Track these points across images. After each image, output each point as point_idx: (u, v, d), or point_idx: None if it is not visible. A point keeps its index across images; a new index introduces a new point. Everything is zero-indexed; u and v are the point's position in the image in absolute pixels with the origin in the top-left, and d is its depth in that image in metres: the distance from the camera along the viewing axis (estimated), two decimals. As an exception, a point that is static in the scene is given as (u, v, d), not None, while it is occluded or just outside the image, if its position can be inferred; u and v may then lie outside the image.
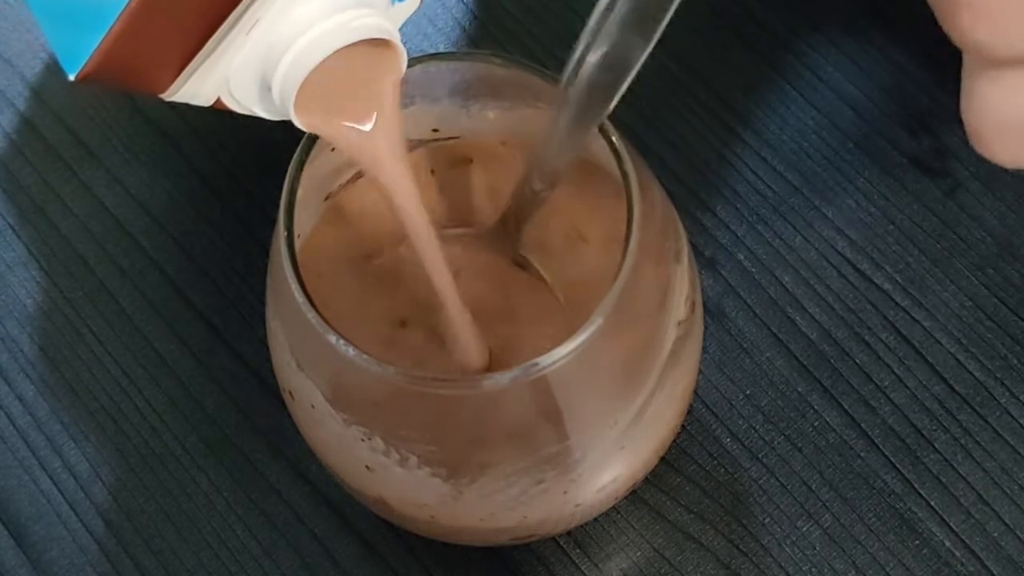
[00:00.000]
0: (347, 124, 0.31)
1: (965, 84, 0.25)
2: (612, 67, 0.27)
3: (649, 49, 0.27)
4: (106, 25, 0.28)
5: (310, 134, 0.32)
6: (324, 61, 0.30)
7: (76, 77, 0.28)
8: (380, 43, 0.30)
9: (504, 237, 0.34)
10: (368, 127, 0.31)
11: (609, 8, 0.26)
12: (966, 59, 0.25)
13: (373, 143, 0.31)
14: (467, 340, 0.33)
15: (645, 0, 0.25)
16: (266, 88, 0.30)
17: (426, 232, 0.32)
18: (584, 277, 0.35)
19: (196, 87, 0.30)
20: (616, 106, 0.29)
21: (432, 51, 0.47)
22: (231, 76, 0.30)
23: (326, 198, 0.36)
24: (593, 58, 0.27)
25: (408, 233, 0.32)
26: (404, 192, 0.31)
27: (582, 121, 0.29)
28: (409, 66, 0.32)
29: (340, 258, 0.35)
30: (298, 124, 0.31)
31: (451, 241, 0.34)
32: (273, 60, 0.30)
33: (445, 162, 0.36)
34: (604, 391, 0.32)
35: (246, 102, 0.31)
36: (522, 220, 0.33)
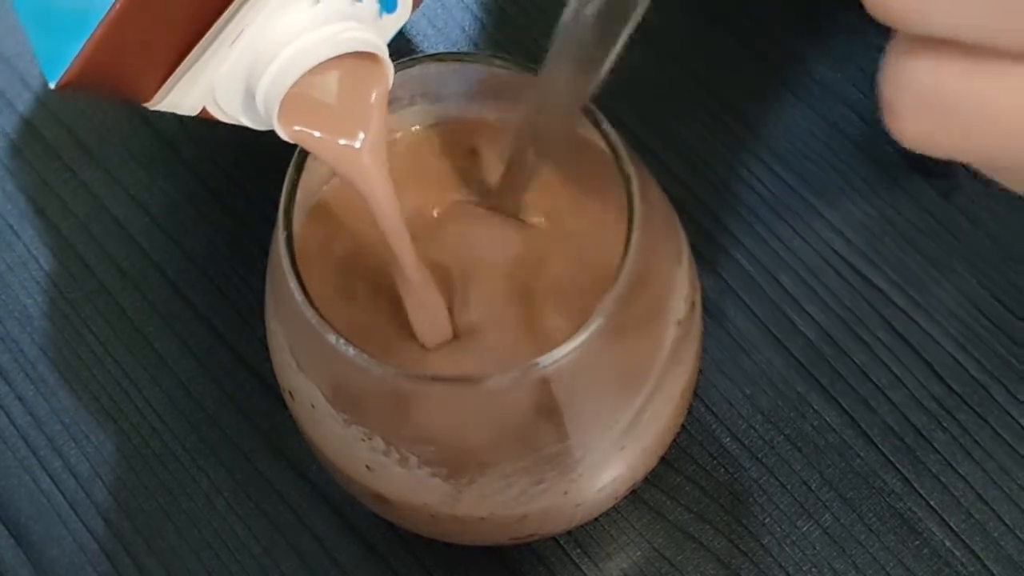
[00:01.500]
0: (330, 136, 0.31)
1: (887, 55, 0.25)
2: (611, 17, 0.27)
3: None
4: (87, 33, 0.27)
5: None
6: (309, 73, 0.30)
7: (56, 85, 0.28)
8: (367, 56, 0.30)
9: (502, 206, 0.34)
10: (351, 140, 0.31)
11: None
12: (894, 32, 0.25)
13: (356, 156, 0.31)
14: (433, 317, 0.33)
15: None
16: (251, 97, 0.30)
17: (401, 234, 0.32)
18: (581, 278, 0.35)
19: (180, 96, 0.30)
20: (616, 108, 0.29)
21: (431, 52, 0.47)
22: (216, 85, 0.30)
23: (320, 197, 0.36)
24: (591, 9, 0.27)
25: (384, 232, 0.32)
26: (383, 201, 0.31)
27: (581, 77, 0.29)
28: (408, 67, 0.32)
29: (330, 253, 0.35)
30: (281, 135, 0.31)
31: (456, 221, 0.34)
32: (258, 70, 0.30)
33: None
34: (604, 391, 0.32)
35: (231, 111, 0.31)
36: (518, 189, 0.33)
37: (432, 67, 0.33)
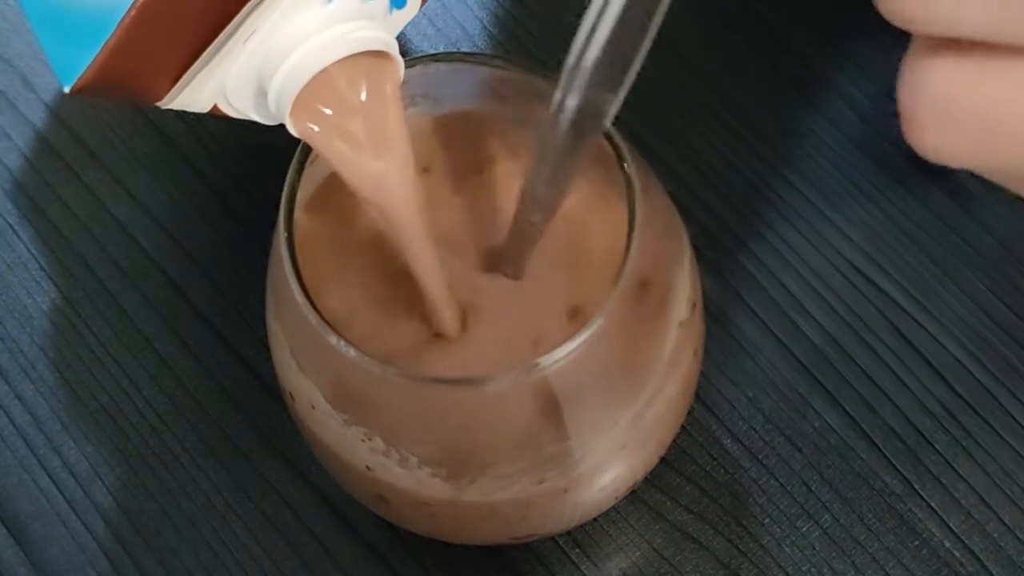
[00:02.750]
0: (341, 135, 0.31)
1: (904, 64, 0.25)
2: (587, 117, 0.28)
3: (619, 101, 0.28)
4: (102, 39, 0.28)
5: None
6: (321, 71, 0.30)
7: (71, 90, 0.28)
8: (378, 53, 0.30)
9: (505, 266, 0.34)
10: (363, 139, 0.31)
11: (577, 63, 0.26)
12: (912, 40, 0.25)
13: (367, 157, 0.31)
14: (444, 308, 0.33)
15: (610, 56, 0.26)
16: (262, 95, 0.30)
17: (418, 239, 0.32)
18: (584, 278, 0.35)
19: (192, 96, 0.30)
20: (620, 109, 0.29)
21: (432, 52, 0.47)
22: (228, 83, 0.30)
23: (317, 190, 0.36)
24: (571, 104, 0.27)
25: (396, 236, 0.32)
26: (399, 204, 0.31)
27: (565, 163, 0.29)
28: (409, 67, 0.32)
29: (329, 244, 0.35)
30: (293, 132, 0.31)
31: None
32: (270, 69, 0.30)
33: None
34: (605, 391, 0.32)
35: (242, 108, 0.31)
36: (523, 251, 0.33)
37: (432, 67, 0.33)
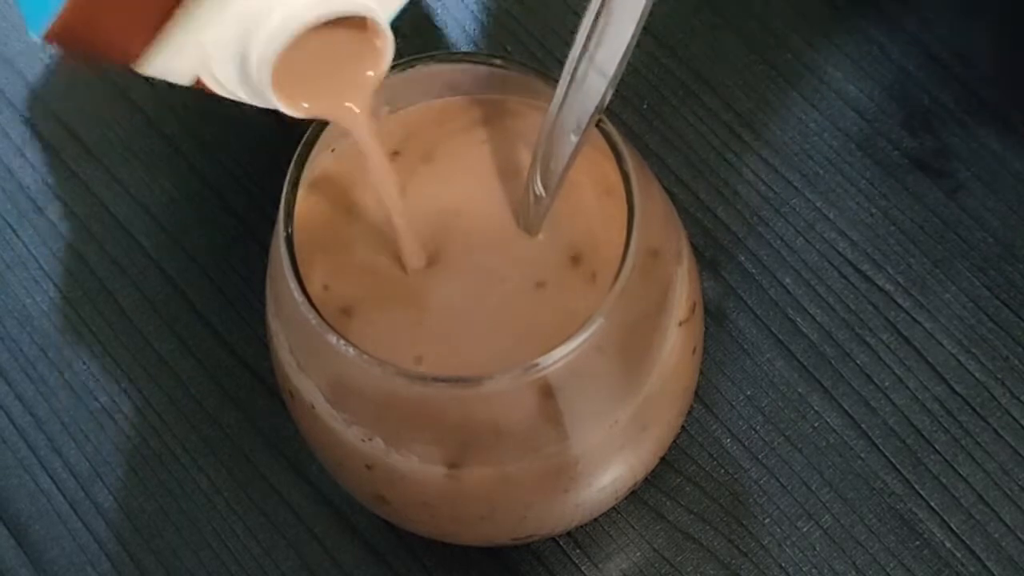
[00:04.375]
0: (323, 103, 0.31)
1: None
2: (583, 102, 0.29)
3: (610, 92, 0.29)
4: None
5: (310, 136, 0.32)
6: (305, 38, 0.29)
7: (42, 36, 0.28)
8: (366, 25, 0.30)
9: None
10: (347, 105, 0.31)
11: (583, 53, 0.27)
12: None
13: (351, 118, 0.31)
14: (409, 245, 0.34)
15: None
16: (246, 64, 0.30)
17: (386, 176, 0.33)
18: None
19: (169, 60, 0.30)
20: (618, 107, 0.29)
21: (431, 51, 0.47)
22: (211, 53, 0.30)
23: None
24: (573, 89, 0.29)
25: (369, 170, 0.33)
26: (374, 151, 0.32)
27: (569, 135, 0.31)
28: (409, 67, 0.32)
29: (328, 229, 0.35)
30: (275, 100, 0.30)
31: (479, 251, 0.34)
32: (251, 32, 0.29)
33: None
34: (604, 391, 0.32)
35: (227, 83, 0.31)
36: (534, 219, 0.33)
37: (432, 67, 0.33)
